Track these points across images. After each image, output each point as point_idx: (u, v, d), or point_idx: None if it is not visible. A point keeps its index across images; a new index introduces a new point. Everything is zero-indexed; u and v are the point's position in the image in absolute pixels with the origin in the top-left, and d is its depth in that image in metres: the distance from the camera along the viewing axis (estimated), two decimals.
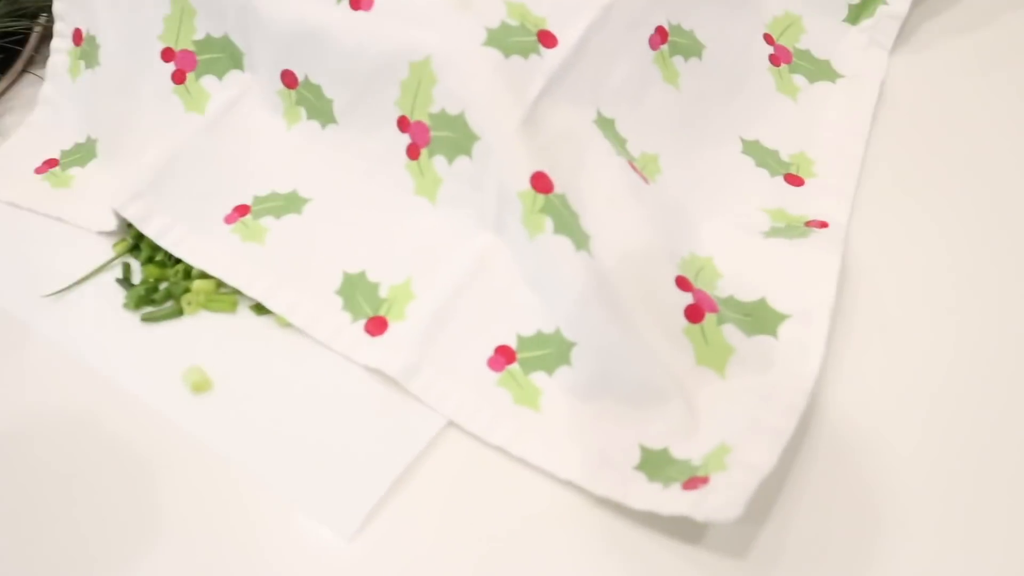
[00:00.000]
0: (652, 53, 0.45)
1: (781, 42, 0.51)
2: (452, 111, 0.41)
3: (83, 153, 0.51)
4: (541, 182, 0.39)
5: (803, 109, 0.49)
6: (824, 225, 0.43)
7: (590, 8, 0.44)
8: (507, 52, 0.41)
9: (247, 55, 0.48)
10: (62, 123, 0.53)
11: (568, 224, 0.38)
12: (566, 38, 0.43)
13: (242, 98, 0.49)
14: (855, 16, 0.53)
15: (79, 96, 0.52)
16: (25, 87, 0.58)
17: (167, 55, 0.50)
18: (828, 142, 0.47)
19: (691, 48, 0.47)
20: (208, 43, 0.49)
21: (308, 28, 0.45)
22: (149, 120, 0.50)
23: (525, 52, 0.41)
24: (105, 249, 0.46)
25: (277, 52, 0.46)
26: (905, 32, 0.53)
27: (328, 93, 0.45)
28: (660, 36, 0.46)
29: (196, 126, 0.48)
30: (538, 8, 0.43)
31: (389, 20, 0.43)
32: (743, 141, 0.47)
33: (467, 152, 0.41)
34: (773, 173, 0.46)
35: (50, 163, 0.51)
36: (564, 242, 0.38)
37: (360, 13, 0.43)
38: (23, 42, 0.58)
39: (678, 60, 0.46)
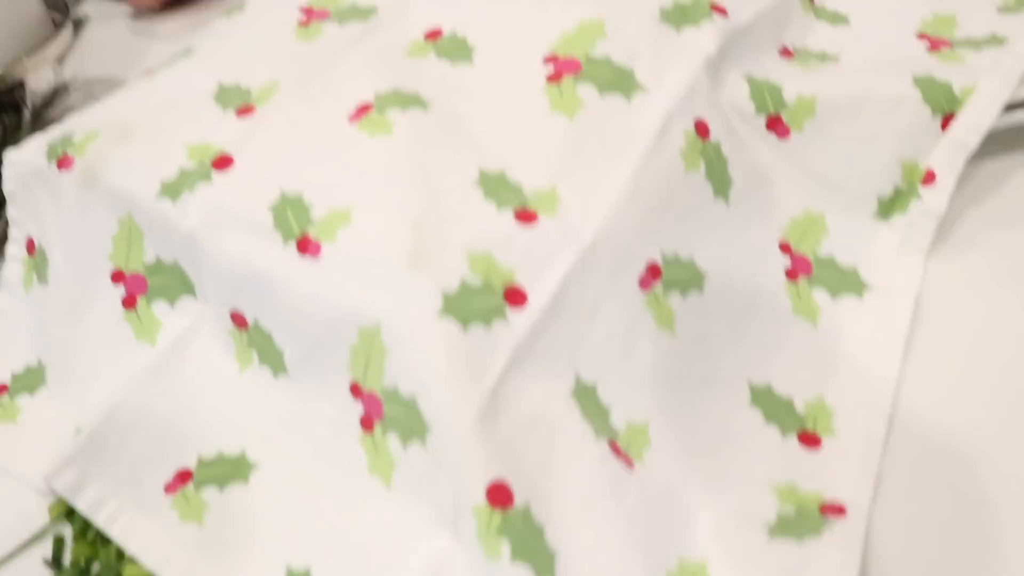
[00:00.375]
0: (643, 295, 0.39)
1: (800, 250, 0.45)
2: (404, 391, 0.36)
3: (33, 378, 0.47)
4: (499, 495, 0.33)
5: (824, 336, 0.43)
6: (841, 511, 0.36)
7: (566, 253, 0.38)
8: (466, 322, 0.36)
9: (198, 285, 0.43)
10: (15, 340, 0.49)
11: (529, 547, 0.32)
12: (538, 295, 0.37)
13: (194, 330, 0.44)
14: (886, 211, 0.46)
15: (32, 312, 0.49)
16: None
17: (117, 277, 0.45)
18: (852, 385, 0.41)
19: (690, 280, 0.41)
20: (159, 267, 0.44)
21: (254, 271, 0.40)
22: (99, 348, 0.46)
23: (488, 319, 0.36)
24: (42, 509, 0.42)
25: (225, 291, 0.42)
26: (945, 227, 0.46)
27: (278, 342, 0.40)
28: (652, 274, 0.40)
29: (144, 365, 0.43)
30: (506, 257, 0.37)
31: (337, 274, 0.38)
32: (751, 388, 0.41)
33: (421, 439, 0.36)
34: (785, 431, 0.39)
35: None
36: (524, 571, 0.32)
37: (307, 260, 0.39)
38: None
39: (674, 298, 0.40)
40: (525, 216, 0.38)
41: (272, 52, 0.48)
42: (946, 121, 0.46)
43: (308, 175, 0.40)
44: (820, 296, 0.44)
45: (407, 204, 0.38)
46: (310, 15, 0.51)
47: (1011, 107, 0.47)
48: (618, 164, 0.40)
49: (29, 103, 0.58)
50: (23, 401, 0.46)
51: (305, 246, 0.38)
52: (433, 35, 0.47)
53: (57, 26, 0.61)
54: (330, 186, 0.40)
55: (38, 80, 0.65)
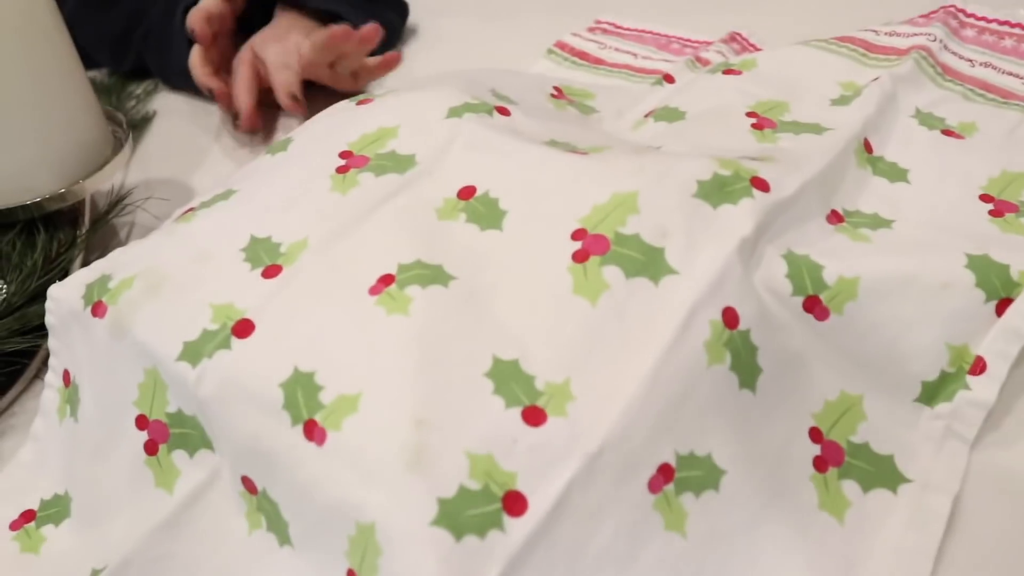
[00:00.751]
0: (652, 498, 0.38)
1: (832, 437, 0.43)
2: None
3: (60, 508, 0.48)
4: None
5: (850, 535, 0.41)
6: None
7: (573, 459, 0.37)
8: (459, 533, 0.35)
9: (214, 442, 0.44)
10: (46, 466, 0.50)
11: None
12: (539, 502, 0.36)
13: (210, 485, 0.44)
14: (930, 397, 0.44)
15: (62, 442, 0.50)
16: (31, 398, 0.56)
17: (141, 423, 0.46)
18: None
19: (706, 480, 0.39)
20: (180, 418, 0.45)
21: (262, 448, 0.40)
22: (121, 490, 0.46)
23: (482, 530, 0.35)
24: None
25: (236, 458, 0.42)
26: (995, 415, 0.44)
27: (284, 515, 0.40)
28: (664, 475, 0.38)
29: (159, 518, 0.44)
30: (508, 461, 0.37)
31: (339, 466, 0.38)
32: None
33: None
34: None
35: (27, 516, 0.49)
36: None
37: (312, 447, 0.38)
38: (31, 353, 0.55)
39: (687, 498, 0.39)
40: (533, 416, 0.37)
41: (306, 202, 0.48)
42: (1002, 305, 0.44)
43: (322, 352, 0.40)
44: (850, 489, 0.41)
45: (413, 397, 0.38)
46: (349, 161, 0.51)
47: None
48: (637, 358, 0.39)
49: (87, 219, 0.60)
50: (48, 531, 0.47)
51: (311, 432, 0.38)
52: (466, 193, 0.47)
53: (117, 139, 0.62)
54: (342, 367, 0.39)
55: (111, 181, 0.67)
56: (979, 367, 0.43)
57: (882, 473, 0.42)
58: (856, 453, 0.42)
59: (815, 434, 0.42)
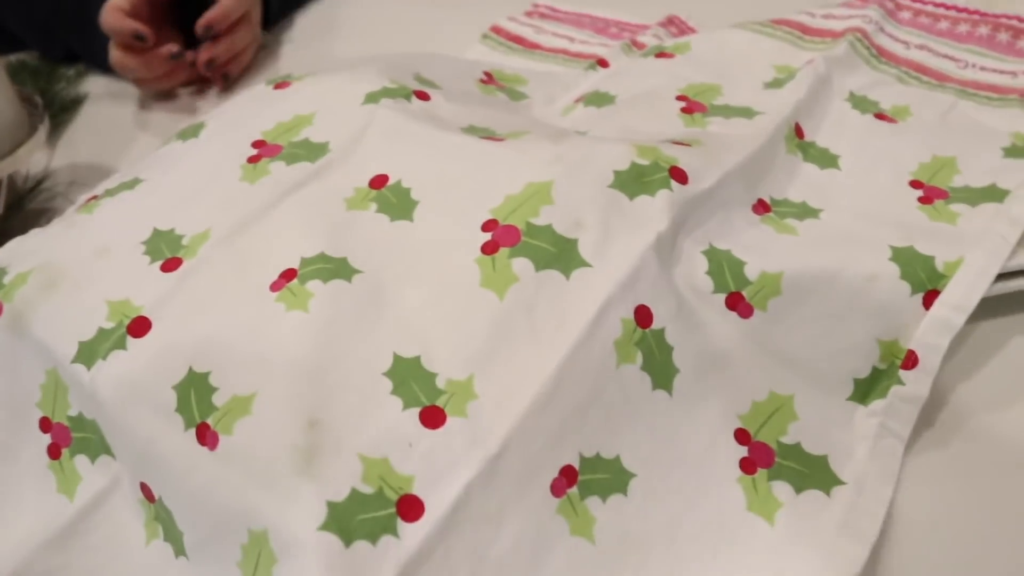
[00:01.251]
0: (555, 501, 0.37)
1: (760, 438, 0.41)
2: None
3: None
4: None
5: (781, 535, 0.39)
6: None
7: (471, 461, 0.36)
8: (349, 538, 0.33)
9: (113, 448, 0.42)
10: None
11: None
12: (435, 505, 0.35)
13: (109, 492, 0.43)
14: (862, 394, 0.42)
15: None
16: None
17: (44, 425, 0.44)
18: None
19: (612, 484, 0.38)
20: (81, 422, 0.43)
21: (156, 453, 0.38)
22: (26, 492, 0.45)
23: (374, 535, 0.34)
24: None
25: (134, 464, 0.41)
26: (929, 411, 0.42)
27: (179, 524, 0.39)
28: (566, 478, 0.37)
29: (55, 528, 0.42)
30: (404, 464, 0.35)
31: (231, 471, 0.36)
32: None
33: None
34: None
35: None
36: None
37: (204, 452, 0.37)
38: None
39: (593, 503, 0.37)
40: (431, 418, 0.36)
41: (213, 193, 0.47)
42: (929, 298, 0.42)
43: (218, 352, 0.39)
44: (781, 490, 0.40)
45: (308, 398, 0.36)
46: (261, 150, 0.49)
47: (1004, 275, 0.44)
48: (543, 355, 0.38)
49: (2, 204, 0.58)
50: None
51: (204, 436, 0.37)
52: (379, 182, 0.45)
53: (32, 121, 0.60)
54: (236, 367, 0.38)
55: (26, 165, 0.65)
56: (911, 361, 0.42)
57: (815, 474, 0.40)
58: (787, 454, 0.41)
59: (742, 436, 0.41)
